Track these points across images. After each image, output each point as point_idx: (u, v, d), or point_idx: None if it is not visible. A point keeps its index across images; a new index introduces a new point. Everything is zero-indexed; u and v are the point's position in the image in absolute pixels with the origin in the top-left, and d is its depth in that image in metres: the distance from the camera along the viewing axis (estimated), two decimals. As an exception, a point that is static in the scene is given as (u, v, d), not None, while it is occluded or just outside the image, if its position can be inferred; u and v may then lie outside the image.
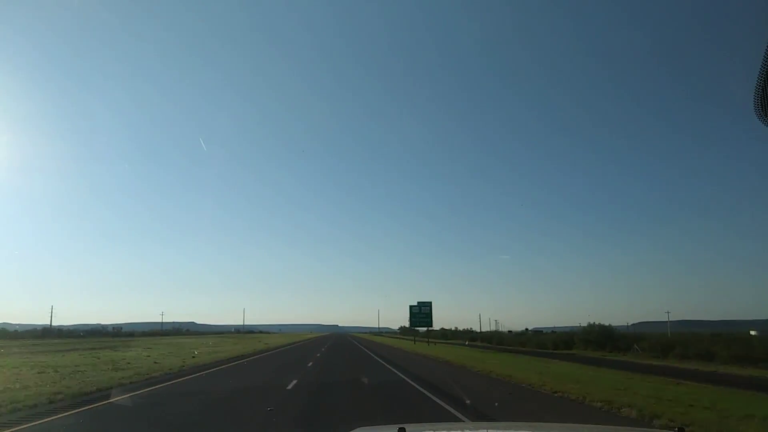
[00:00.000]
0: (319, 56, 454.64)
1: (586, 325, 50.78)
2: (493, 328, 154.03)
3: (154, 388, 16.34)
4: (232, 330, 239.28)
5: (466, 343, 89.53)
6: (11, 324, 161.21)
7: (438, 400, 13.55)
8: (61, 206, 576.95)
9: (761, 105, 2.18)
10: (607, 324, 49.66)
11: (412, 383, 18.20)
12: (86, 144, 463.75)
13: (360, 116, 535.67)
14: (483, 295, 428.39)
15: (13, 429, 9.38)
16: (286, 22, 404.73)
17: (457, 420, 10.24)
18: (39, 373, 20.12)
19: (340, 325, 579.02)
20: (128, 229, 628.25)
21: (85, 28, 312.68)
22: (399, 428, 2.34)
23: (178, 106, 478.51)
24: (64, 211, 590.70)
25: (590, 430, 3.33)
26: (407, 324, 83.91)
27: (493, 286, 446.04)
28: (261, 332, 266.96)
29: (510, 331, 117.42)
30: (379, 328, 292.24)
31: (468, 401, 13.29)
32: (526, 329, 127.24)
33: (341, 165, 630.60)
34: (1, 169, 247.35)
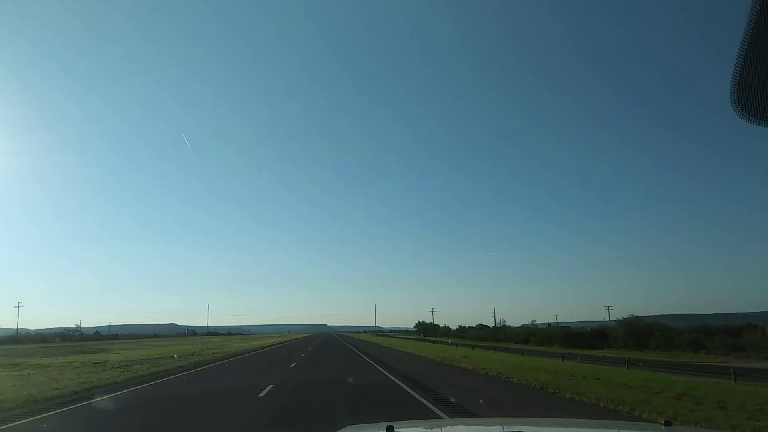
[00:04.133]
0: (302, 59, 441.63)
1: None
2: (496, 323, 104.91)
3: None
4: (185, 332, 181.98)
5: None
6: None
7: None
8: (33, 208, 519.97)
9: (737, 98, 2.22)
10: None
11: None
12: (66, 147, 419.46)
13: (342, 115, 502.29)
14: (474, 291, 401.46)
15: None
16: (269, 26, 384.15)
17: None
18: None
19: (328, 324, 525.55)
20: (107, 232, 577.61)
21: (68, 38, 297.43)
22: (387, 426, 2.34)
23: (158, 108, 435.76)
24: (35, 214, 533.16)
25: (578, 424, 3.31)
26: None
27: (483, 282, 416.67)
28: (230, 333, 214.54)
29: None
30: (376, 326, 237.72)
31: None
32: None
33: (326, 162, 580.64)
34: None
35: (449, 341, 66.19)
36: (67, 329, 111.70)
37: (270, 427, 9.38)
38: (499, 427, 2.61)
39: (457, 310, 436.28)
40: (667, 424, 2.37)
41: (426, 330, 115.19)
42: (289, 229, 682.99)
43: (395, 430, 2.31)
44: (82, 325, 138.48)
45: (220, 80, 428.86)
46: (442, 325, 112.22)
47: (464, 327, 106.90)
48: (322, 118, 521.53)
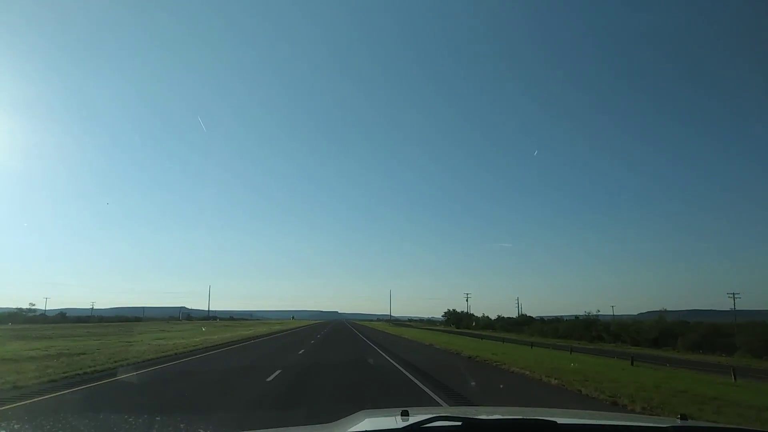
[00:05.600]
0: (326, 44, 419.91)
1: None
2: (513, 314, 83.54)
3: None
4: (178, 316, 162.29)
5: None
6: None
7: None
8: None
9: None
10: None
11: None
12: (87, 130, 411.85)
13: (362, 102, 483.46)
14: (491, 282, 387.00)
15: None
16: (290, 12, 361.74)
17: None
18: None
19: (339, 311, 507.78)
20: (124, 216, 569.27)
21: (88, 17, 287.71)
22: (402, 410, 2.36)
23: (179, 94, 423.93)
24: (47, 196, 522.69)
25: (591, 416, 3.19)
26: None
27: (500, 273, 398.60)
28: (232, 318, 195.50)
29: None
30: (390, 315, 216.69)
31: None
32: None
33: (344, 147, 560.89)
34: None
35: (482, 335, 43.68)
36: (20, 309, 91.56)
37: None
38: (511, 415, 2.57)
39: (477, 299, 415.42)
40: (683, 417, 2.30)
41: (459, 320, 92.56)
42: (302, 215, 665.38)
43: (410, 414, 2.27)
44: (53, 306, 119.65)
45: (241, 63, 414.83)
46: (480, 315, 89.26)
47: (503, 317, 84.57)
48: (342, 104, 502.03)
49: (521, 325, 64.77)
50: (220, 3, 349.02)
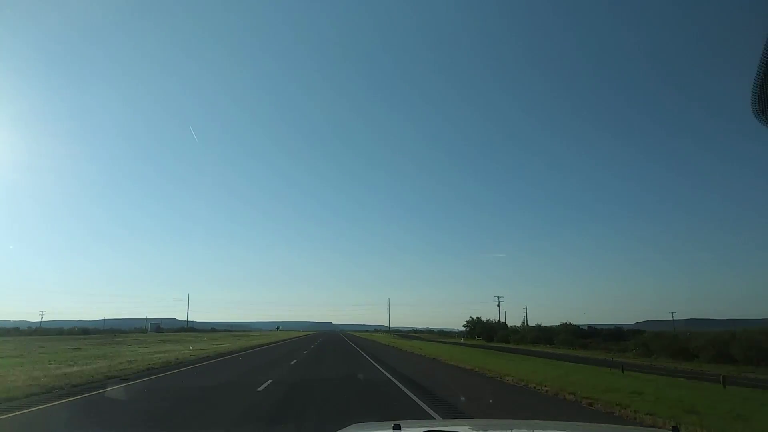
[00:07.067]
0: (313, 56, 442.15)
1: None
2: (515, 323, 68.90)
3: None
4: (147, 327, 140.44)
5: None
6: None
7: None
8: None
9: (759, 103, 2.05)
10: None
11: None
12: (77, 143, 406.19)
13: (350, 113, 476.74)
14: (476, 292, 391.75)
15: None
16: (277, 22, 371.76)
17: None
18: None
19: (334, 322, 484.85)
20: (117, 227, 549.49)
21: (79, 29, 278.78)
22: (394, 424, 2.34)
23: (169, 104, 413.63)
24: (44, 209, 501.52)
25: (584, 428, 3.20)
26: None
27: (489, 282, 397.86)
28: (214, 330, 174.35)
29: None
30: (389, 327, 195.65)
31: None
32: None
33: (332, 158, 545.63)
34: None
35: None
36: None
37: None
38: (505, 429, 2.51)
39: (481, 307, 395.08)
40: (675, 429, 2.30)
41: (490, 332, 71.68)
42: (292, 224, 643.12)
43: (402, 428, 2.27)
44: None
45: (230, 75, 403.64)
46: (518, 324, 68.41)
47: (545, 327, 64.45)
48: (330, 115, 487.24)
49: (617, 339, 43.39)
50: (210, 18, 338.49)
